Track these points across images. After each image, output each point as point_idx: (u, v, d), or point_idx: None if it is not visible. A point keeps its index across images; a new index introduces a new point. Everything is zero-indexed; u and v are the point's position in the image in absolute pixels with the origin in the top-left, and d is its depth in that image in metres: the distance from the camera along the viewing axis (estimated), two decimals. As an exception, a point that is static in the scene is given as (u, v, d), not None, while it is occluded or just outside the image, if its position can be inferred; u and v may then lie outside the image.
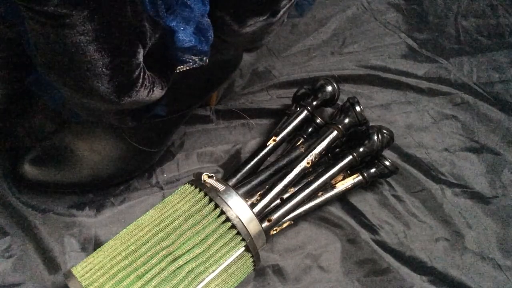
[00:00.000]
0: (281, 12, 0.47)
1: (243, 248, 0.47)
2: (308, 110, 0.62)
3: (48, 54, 0.36)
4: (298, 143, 0.61)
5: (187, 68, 0.49)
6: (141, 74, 0.41)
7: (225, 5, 0.44)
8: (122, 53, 0.38)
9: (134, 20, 0.36)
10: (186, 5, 0.40)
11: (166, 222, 0.46)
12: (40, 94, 0.52)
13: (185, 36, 0.41)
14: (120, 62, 0.38)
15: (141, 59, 0.40)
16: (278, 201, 0.55)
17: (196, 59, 0.45)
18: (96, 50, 0.35)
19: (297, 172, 0.55)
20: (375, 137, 0.58)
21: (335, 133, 0.58)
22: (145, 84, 0.42)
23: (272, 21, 0.47)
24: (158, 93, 0.45)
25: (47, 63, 0.38)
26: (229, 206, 0.46)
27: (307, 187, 0.55)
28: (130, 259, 0.43)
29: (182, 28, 0.41)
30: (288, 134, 0.61)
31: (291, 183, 0.55)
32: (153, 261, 0.43)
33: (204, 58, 0.46)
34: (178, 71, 0.50)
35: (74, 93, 0.40)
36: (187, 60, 0.45)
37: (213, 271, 0.45)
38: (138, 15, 0.36)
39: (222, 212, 0.46)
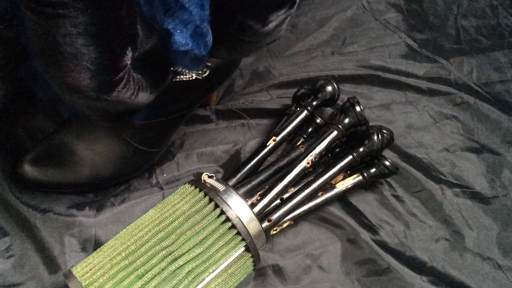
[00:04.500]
0: (297, 2, 0.47)
1: (243, 248, 0.47)
2: (308, 110, 0.62)
3: (38, 42, 0.36)
4: (298, 143, 0.61)
5: (184, 79, 0.49)
6: (126, 76, 0.41)
7: (245, 6, 0.44)
8: (110, 52, 0.37)
9: (127, 21, 0.36)
10: (185, 9, 0.40)
11: (166, 222, 0.46)
12: (33, 87, 0.52)
13: (181, 39, 0.41)
14: (106, 60, 0.38)
15: (129, 62, 0.40)
16: (278, 201, 0.55)
17: (193, 73, 0.45)
18: (84, 44, 0.35)
19: (297, 172, 0.55)
20: (375, 137, 0.58)
21: (335, 133, 0.58)
22: (129, 87, 0.42)
23: (291, 12, 0.47)
24: (143, 98, 0.45)
25: (37, 53, 0.38)
26: (229, 206, 0.46)
27: (307, 187, 0.55)
28: (130, 259, 0.43)
29: (179, 31, 0.41)
30: (288, 134, 0.61)
31: (291, 183, 0.55)
32: (153, 261, 0.43)
33: (201, 73, 0.45)
34: (175, 80, 0.50)
35: (56, 85, 0.40)
36: (184, 72, 0.45)
37: (213, 271, 0.45)
38: (132, 16, 0.36)
39: (222, 212, 0.46)
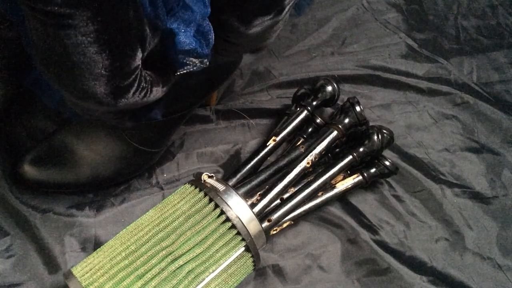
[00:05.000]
0: (286, 10, 0.47)
1: (243, 248, 0.47)
2: (308, 110, 0.62)
3: (47, 54, 0.36)
4: (298, 143, 0.61)
5: (188, 71, 0.49)
6: (138, 77, 0.41)
7: (230, 8, 0.44)
8: (122, 56, 0.37)
9: (135, 24, 0.36)
10: (187, 7, 0.40)
11: (166, 222, 0.46)
12: (39, 94, 0.52)
13: (185, 38, 0.41)
14: (119, 65, 0.38)
15: (140, 63, 0.40)
16: (278, 201, 0.55)
17: (197, 62, 0.45)
18: (96, 52, 0.35)
19: (297, 172, 0.55)
20: (375, 137, 0.58)
21: (335, 133, 0.58)
22: (142, 86, 0.42)
23: (278, 19, 0.47)
24: (158, 92, 0.45)
25: (46, 63, 0.38)
26: (229, 206, 0.46)
27: (307, 187, 0.55)
28: (130, 259, 0.43)
29: (182, 31, 0.41)
30: (288, 134, 0.61)
31: (291, 183, 0.55)
32: (153, 261, 0.43)
33: (205, 61, 0.46)
34: (178, 73, 0.50)
35: (71, 94, 0.40)
36: (188, 63, 0.45)
37: (213, 271, 0.45)
38: (139, 18, 0.36)
39: (222, 212, 0.46)
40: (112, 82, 0.39)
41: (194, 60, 0.45)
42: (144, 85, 0.42)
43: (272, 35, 0.52)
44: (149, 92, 0.44)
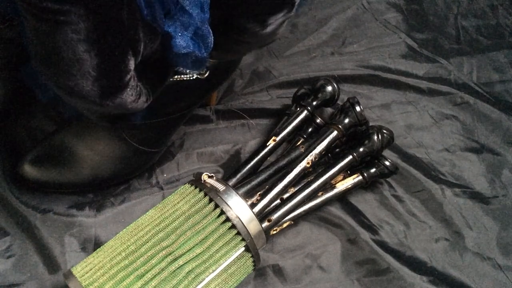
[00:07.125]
0: (296, 5, 0.47)
1: (243, 248, 0.47)
2: (308, 110, 0.62)
3: (39, 48, 0.36)
4: (298, 143, 0.61)
5: (184, 79, 0.49)
6: (130, 82, 0.41)
7: (244, 10, 0.44)
8: (111, 57, 0.37)
9: (128, 27, 0.36)
10: (185, 11, 0.40)
11: (166, 222, 0.46)
12: (33, 87, 0.52)
13: (182, 41, 0.41)
14: (108, 66, 0.38)
15: (132, 67, 0.40)
16: (278, 201, 0.55)
17: (195, 73, 0.45)
18: (85, 50, 0.35)
19: (297, 172, 0.55)
20: (375, 137, 0.58)
21: (335, 133, 0.58)
22: (132, 93, 0.42)
23: (290, 15, 0.47)
24: (140, 104, 0.45)
25: (38, 57, 0.38)
26: (229, 206, 0.46)
27: (307, 187, 0.55)
28: (130, 259, 0.43)
29: (180, 34, 0.41)
30: (288, 134, 0.61)
31: (291, 183, 0.55)
32: (153, 261, 0.43)
33: (203, 72, 0.46)
34: (175, 79, 0.50)
35: (59, 89, 0.40)
36: (185, 72, 0.45)
37: (213, 271, 0.45)
38: (133, 22, 0.36)
39: (222, 212, 0.46)
40: (100, 82, 0.38)
41: (191, 71, 0.45)
42: (135, 91, 0.42)
43: (281, 30, 0.52)
44: (136, 100, 0.43)
